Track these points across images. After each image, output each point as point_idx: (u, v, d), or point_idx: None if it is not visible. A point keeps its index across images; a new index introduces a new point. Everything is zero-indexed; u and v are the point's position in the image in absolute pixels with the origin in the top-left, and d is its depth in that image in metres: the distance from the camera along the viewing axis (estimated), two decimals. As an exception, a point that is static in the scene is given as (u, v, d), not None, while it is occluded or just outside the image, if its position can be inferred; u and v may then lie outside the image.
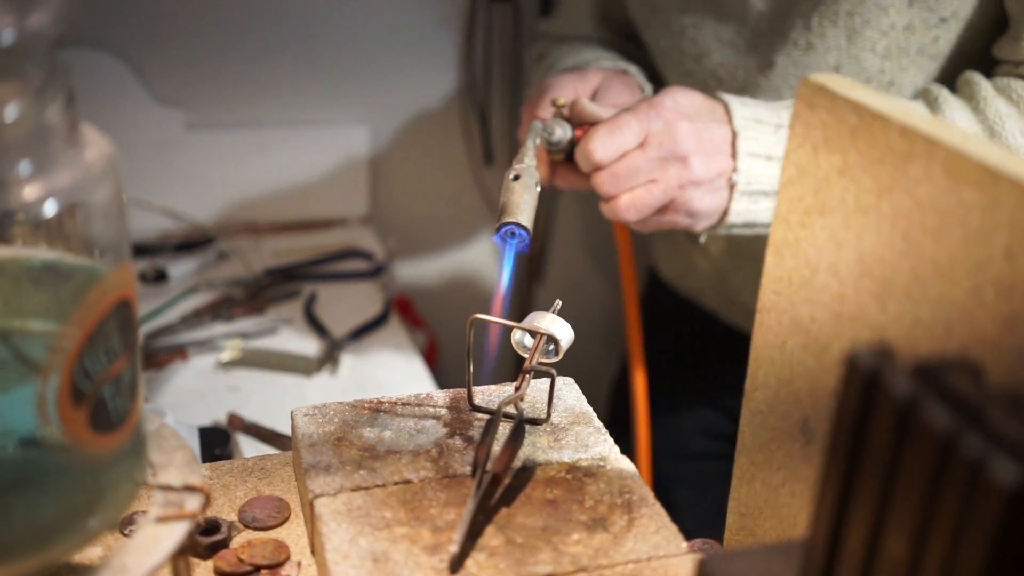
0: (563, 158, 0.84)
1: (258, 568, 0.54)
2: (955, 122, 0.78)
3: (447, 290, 1.67)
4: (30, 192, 0.36)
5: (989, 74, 0.83)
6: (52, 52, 0.38)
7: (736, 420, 1.12)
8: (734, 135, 0.78)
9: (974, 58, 0.85)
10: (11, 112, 0.36)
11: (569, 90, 0.88)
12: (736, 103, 0.80)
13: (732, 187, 0.79)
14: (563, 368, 0.61)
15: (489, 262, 1.68)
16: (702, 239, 0.87)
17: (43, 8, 0.36)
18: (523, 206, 0.74)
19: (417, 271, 1.63)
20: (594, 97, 0.88)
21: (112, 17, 1.32)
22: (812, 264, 0.49)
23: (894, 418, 0.31)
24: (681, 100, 0.79)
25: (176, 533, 0.44)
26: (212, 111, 1.41)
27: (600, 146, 0.77)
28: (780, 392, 0.53)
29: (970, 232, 0.39)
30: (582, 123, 0.82)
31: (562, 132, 0.82)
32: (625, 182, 0.78)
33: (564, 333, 0.62)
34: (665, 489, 1.22)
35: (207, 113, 1.41)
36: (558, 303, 0.67)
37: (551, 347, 0.63)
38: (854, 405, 0.33)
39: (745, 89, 0.92)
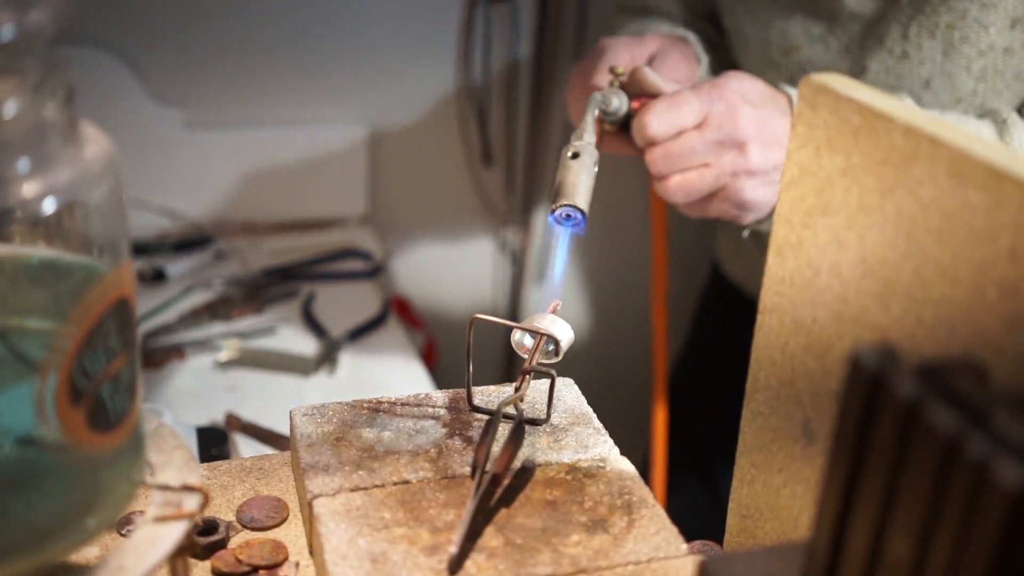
0: (615, 129, 0.81)
1: (256, 568, 0.54)
2: (1022, 145, 0.77)
3: (445, 291, 1.67)
4: (29, 189, 0.36)
5: None
6: (51, 48, 0.37)
7: None
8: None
9: None
10: (10, 108, 0.35)
11: (625, 54, 0.85)
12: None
13: None
14: (600, 372, 0.61)
15: (487, 263, 1.68)
16: (745, 233, 0.84)
17: (42, 4, 0.35)
18: (580, 187, 0.70)
19: (415, 271, 1.63)
20: (651, 63, 0.85)
21: (111, 16, 1.32)
22: (814, 265, 0.49)
23: (898, 419, 0.31)
24: (746, 85, 0.76)
25: (174, 533, 0.44)
26: (211, 110, 1.41)
27: (657, 121, 0.74)
28: (781, 393, 0.53)
29: (974, 233, 0.39)
30: (641, 94, 0.79)
31: (619, 102, 0.79)
32: (678, 162, 0.75)
33: (564, 333, 0.62)
34: (714, 481, 1.22)
35: (206, 112, 1.41)
36: (558, 303, 0.67)
37: (551, 347, 0.62)
38: (857, 406, 0.33)
39: None
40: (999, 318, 0.38)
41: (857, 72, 0.88)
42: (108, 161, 0.40)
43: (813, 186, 0.48)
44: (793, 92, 0.78)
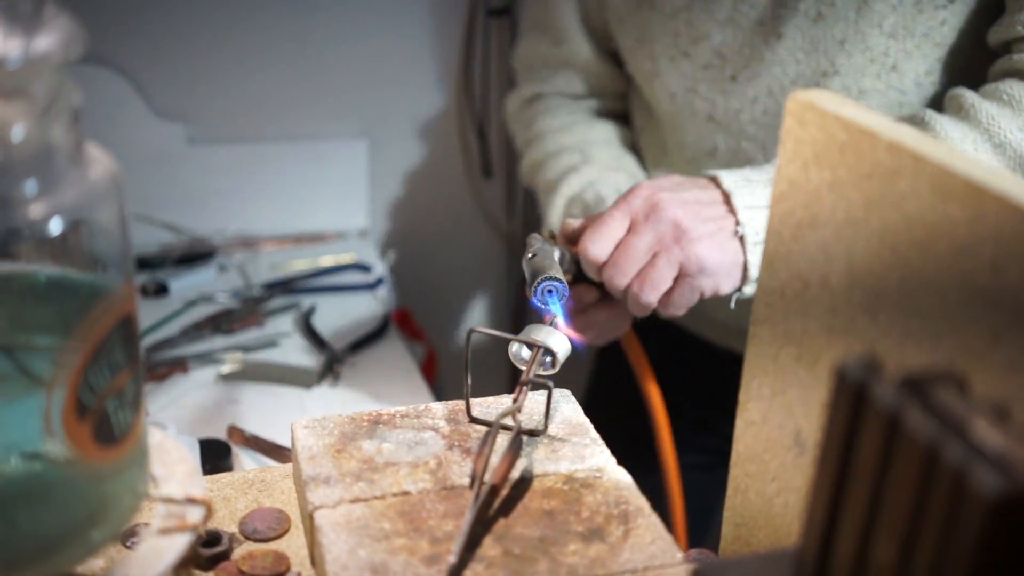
0: (572, 279, 0.82)
1: (259, 579, 0.55)
2: (948, 135, 0.79)
3: (447, 303, 1.68)
4: (36, 210, 0.37)
5: (987, 71, 0.84)
6: (59, 72, 0.38)
7: (708, 429, 1.09)
8: (726, 195, 0.78)
9: (974, 51, 0.86)
10: (18, 132, 0.36)
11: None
12: (722, 172, 0.80)
13: (742, 240, 0.77)
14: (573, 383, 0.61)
15: (487, 275, 1.69)
16: (732, 304, 0.83)
17: (50, 31, 0.36)
18: (548, 263, 0.73)
19: (416, 284, 1.64)
20: None
21: (114, 33, 1.34)
22: (804, 276, 0.50)
23: (881, 428, 0.32)
24: (660, 181, 0.79)
25: (178, 545, 0.44)
26: (213, 125, 1.42)
27: (592, 244, 0.77)
28: (773, 403, 0.53)
29: (956, 246, 0.40)
30: (574, 241, 0.82)
31: (560, 253, 0.80)
32: (629, 267, 0.77)
33: (561, 345, 0.63)
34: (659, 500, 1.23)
35: (208, 127, 1.42)
36: (556, 316, 0.68)
37: (548, 359, 0.63)
38: (843, 415, 0.34)
39: (750, 65, 0.92)
40: (982, 329, 0.39)
41: (773, 41, 0.90)
42: (112, 181, 0.41)
43: (801, 200, 0.49)
44: (714, 172, 0.80)
